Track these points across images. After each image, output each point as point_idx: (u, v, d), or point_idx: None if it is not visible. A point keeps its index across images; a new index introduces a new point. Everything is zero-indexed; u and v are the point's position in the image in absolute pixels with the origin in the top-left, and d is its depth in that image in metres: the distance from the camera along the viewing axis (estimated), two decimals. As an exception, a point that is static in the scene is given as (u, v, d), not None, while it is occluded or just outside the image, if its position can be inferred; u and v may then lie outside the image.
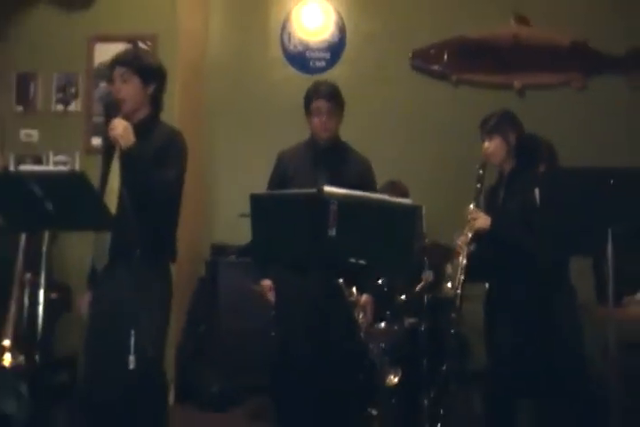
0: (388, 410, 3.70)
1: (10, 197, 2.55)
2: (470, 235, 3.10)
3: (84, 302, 2.91)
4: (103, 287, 2.81)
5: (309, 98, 3.27)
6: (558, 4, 5.27)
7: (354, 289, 3.27)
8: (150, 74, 2.91)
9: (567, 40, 5.22)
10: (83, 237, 3.26)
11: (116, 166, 2.79)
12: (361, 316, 3.30)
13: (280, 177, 3.31)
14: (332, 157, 3.27)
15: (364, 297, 3.30)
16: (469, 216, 3.12)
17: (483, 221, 3.08)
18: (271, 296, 3.33)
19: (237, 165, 5.39)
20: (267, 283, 3.35)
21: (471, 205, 3.14)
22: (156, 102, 2.95)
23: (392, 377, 3.60)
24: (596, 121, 5.14)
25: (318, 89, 3.27)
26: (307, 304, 3.07)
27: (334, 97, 3.25)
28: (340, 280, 3.15)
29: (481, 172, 3.18)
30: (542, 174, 3.55)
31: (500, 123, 3.20)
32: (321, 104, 3.21)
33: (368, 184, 3.22)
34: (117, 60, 2.91)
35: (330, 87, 3.29)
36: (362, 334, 3.36)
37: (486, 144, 3.21)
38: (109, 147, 2.85)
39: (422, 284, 4.02)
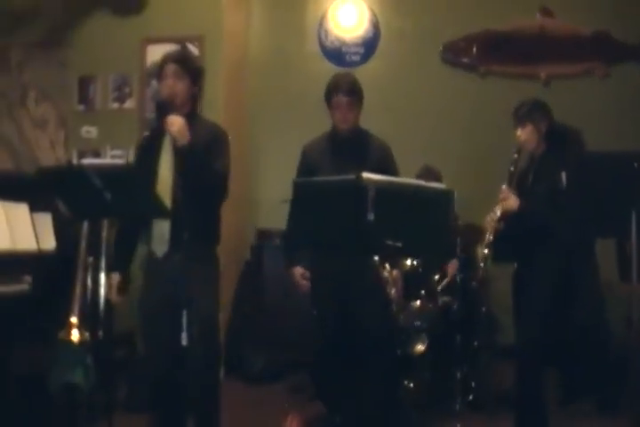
0: (423, 383, 3.68)
1: (73, 188, 2.59)
2: (499, 213, 3.07)
3: (110, 284, 2.86)
4: (165, 272, 2.81)
5: (330, 92, 3.22)
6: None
7: (387, 265, 3.26)
8: (198, 76, 2.94)
9: (590, 30, 5.09)
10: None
11: (165, 158, 2.81)
12: (393, 291, 3.30)
13: (306, 169, 3.28)
14: (352, 145, 3.23)
15: (395, 273, 3.30)
16: (500, 196, 3.10)
17: (512, 201, 3.06)
18: (303, 282, 3.28)
19: (280, 153, 5.38)
20: (298, 271, 3.30)
21: (503, 186, 3.11)
22: (195, 100, 2.95)
23: (419, 346, 3.58)
24: (618, 108, 5.00)
25: (338, 84, 3.21)
26: (341, 282, 3.06)
27: (353, 91, 3.19)
28: (376, 258, 3.13)
29: (516, 156, 3.16)
30: (569, 158, 3.50)
31: (531, 111, 3.17)
32: (341, 99, 3.17)
33: (389, 168, 3.16)
34: (173, 58, 2.91)
35: (349, 82, 3.22)
36: (394, 307, 3.35)
37: (519, 132, 3.19)
38: (155, 140, 2.86)
39: (447, 279, 3.99)
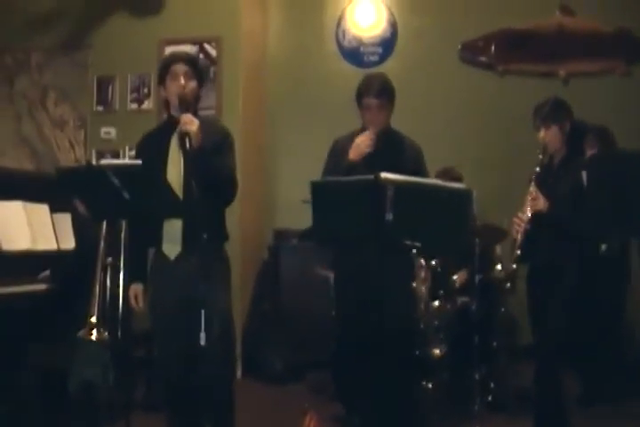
0: (442, 384, 3.66)
1: (92, 188, 2.59)
2: (529, 214, 3.01)
3: (133, 294, 2.85)
4: (177, 274, 2.79)
5: (361, 94, 3.18)
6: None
7: (422, 261, 3.23)
8: (203, 79, 2.96)
9: (610, 28, 5.03)
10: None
11: (174, 158, 2.79)
12: (423, 288, 3.26)
13: (335, 164, 3.22)
14: (386, 146, 3.19)
15: (425, 271, 3.27)
16: (530, 196, 3.03)
17: (541, 202, 3.00)
18: None
19: (297, 154, 5.39)
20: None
21: (532, 186, 3.04)
22: (198, 102, 2.94)
23: (437, 350, 3.55)
24: (639, 107, 4.94)
25: (369, 86, 3.16)
26: (367, 278, 3.03)
27: (384, 93, 3.15)
28: (414, 251, 3.10)
29: (541, 156, 3.09)
30: (590, 158, 3.46)
31: (555, 112, 3.10)
32: (371, 101, 3.13)
33: (421, 169, 3.15)
34: (184, 59, 2.90)
35: (380, 84, 3.17)
36: (422, 306, 3.32)
37: (542, 133, 3.10)
38: (162, 138, 2.84)
39: (458, 284, 3.96)
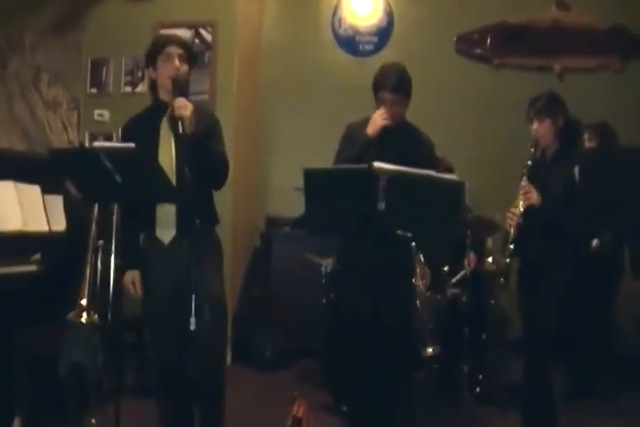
0: (431, 375, 3.68)
1: (85, 171, 2.55)
2: (523, 209, 2.99)
3: (130, 280, 2.83)
4: (171, 258, 2.78)
5: (377, 86, 3.09)
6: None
7: (421, 256, 3.22)
8: (194, 63, 2.92)
9: (606, 24, 5.03)
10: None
11: (165, 142, 2.77)
12: (421, 283, 3.26)
13: (350, 148, 3.12)
14: (397, 137, 3.13)
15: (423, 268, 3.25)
16: (522, 190, 3.01)
17: (534, 196, 2.99)
18: None
19: (291, 141, 5.38)
20: None
21: (524, 181, 3.02)
22: (188, 86, 2.90)
23: (429, 349, 3.55)
24: (633, 103, 4.95)
25: (385, 80, 3.06)
26: (368, 269, 3.00)
27: (401, 88, 3.06)
28: (413, 244, 3.09)
29: (532, 150, 3.07)
30: (582, 153, 3.47)
31: (549, 105, 3.08)
32: (386, 96, 3.06)
33: (432, 163, 3.07)
34: (177, 42, 2.86)
35: (397, 78, 3.06)
36: (418, 301, 3.31)
37: (535, 126, 3.09)
38: (152, 122, 2.81)
39: (464, 272, 3.96)
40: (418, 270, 3.24)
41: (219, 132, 2.88)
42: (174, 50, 2.81)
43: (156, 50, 2.83)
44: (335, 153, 3.21)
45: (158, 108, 2.83)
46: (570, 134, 3.14)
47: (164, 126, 2.78)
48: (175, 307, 2.69)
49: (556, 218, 2.97)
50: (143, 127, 2.85)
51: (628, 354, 4.20)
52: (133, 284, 2.83)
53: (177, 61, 2.79)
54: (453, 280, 3.97)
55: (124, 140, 2.91)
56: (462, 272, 3.96)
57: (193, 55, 2.90)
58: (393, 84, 3.05)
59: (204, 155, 2.67)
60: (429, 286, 3.45)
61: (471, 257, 3.97)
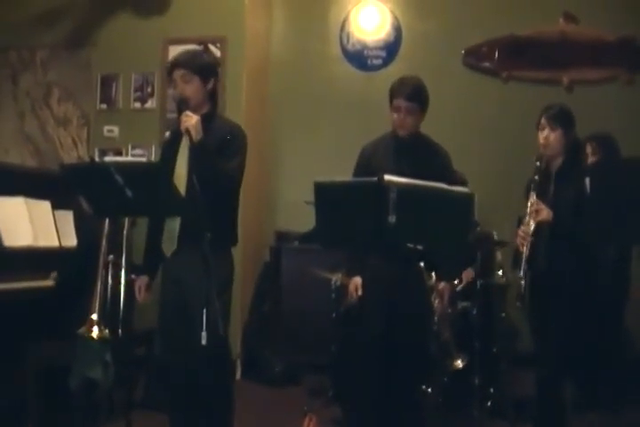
0: (442, 388, 3.65)
1: (96, 185, 2.57)
2: (533, 227, 2.93)
3: (138, 285, 2.89)
4: (172, 271, 2.82)
5: (392, 94, 3.11)
6: (604, 1, 5.08)
7: (433, 274, 3.20)
8: (208, 71, 2.91)
9: (613, 36, 5.04)
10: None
11: (183, 155, 2.82)
12: (437, 301, 3.23)
13: (364, 170, 3.14)
14: (413, 150, 3.15)
15: (442, 284, 3.21)
16: (532, 208, 2.95)
17: (546, 213, 2.93)
18: (354, 293, 3.15)
19: (300, 155, 5.39)
20: (357, 281, 3.16)
21: (533, 198, 2.96)
22: (213, 98, 2.95)
23: (459, 362, 3.53)
24: (642, 115, 4.95)
25: (401, 87, 3.08)
26: (385, 286, 3.02)
27: (415, 97, 3.07)
28: (422, 264, 3.08)
29: (538, 164, 3.01)
30: (593, 165, 3.44)
31: (564, 115, 3.04)
32: (400, 103, 3.06)
33: (450, 176, 3.05)
34: (176, 63, 2.90)
35: (412, 87, 3.09)
36: (436, 318, 3.29)
37: (547, 132, 3.03)
38: (176, 138, 2.88)
39: (463, 283, 3.95)
40: (433, 285, 3.22)
41: (234, 148, 2.86)
42: (176, 73, 2.86)
43: (169, 75, 2.93)
44: (352, 175, 3.23)
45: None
46: (574, 150, 3.11)
47: (185, 141, 2.82)
48: (178, 321, 2.72)
49: (569, 232, 2.94)
50: (172, 142, 2.93)
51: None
52: (139, 289, 2.87)
53: (180, 84, 2.85)
54: (459, 287, 3.93)
55: (161, 155, 3.10)
56: (461, 285, 3.94)
57: (198, 67, 2.87)
58: (409, 92, 3.06)
59: (207, 168, 2.67)
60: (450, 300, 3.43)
61: (468, 271, 3.96)
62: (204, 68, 2.90)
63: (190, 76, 2.84)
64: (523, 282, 2.94)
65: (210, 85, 2.90)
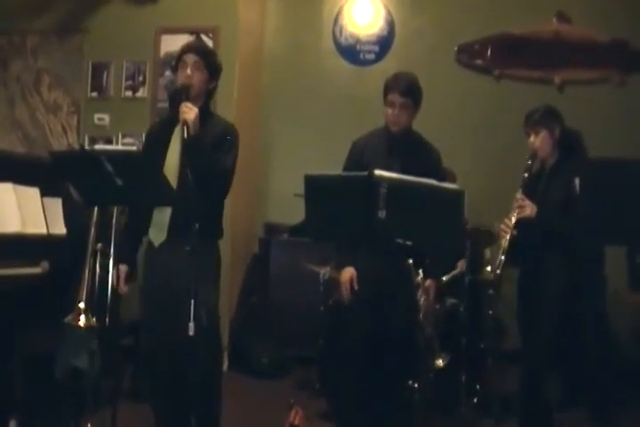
0: (428, 384, 3.67)
1: (85, 173, 2.56)
2: (515, 220, 3.00)
3: (118, 275, 2.87)
4: (160, 262, 2.81)
5: (387, 89, 3.12)
6: (598, 2, 5.11)
7: (420, 271, 3.22)
8: (216, 72, 2.92)
9: (607, 38, 5.06)
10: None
11: (174, 146, 2.81)
12: (423, 298, 3.25)
13: (355, 165, 3.14)
14: (405, 146, 3.16)
15: (428, 282, 3.22)
16: (516, 203, 3.02)
17: (529, 209, 2.99)
18: (348, 285, 3.10)
19: (291, 148, 5.39)
20: (349, 272, 3.12)
21: (519, 193, 3.04)
22: (209, 96, 2.94)
23: (440, 361, 3.55)
24: (633, 117, 4.97)
25: (396, 83, 3.10)
26: (372, 281, 3.04)
27: (409, 93, 3.08)
28: (410, 261, 3.10)
29: (529, 162, 3.09)
30: (583, 164, 3.46)
31: (544, 117, 3.11)
32: (394, 98, 3.07)
33: (438, 174, 3.03)
34: (195, 49, 2.88)
35: (407, 83, 3.10)
36: (420, 316, 3.31)
37: (532, 138, 3.11)
38: (167, 128, 2.86)
39: (456, 271, 3.97)
40: (420, 282, 3.23)
41: (229, 145, 2.86)
42: (189, 57, 2.84)
43: (177, 57, 2.89)
44: (342, 169, 3.22)
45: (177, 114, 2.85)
46: (569, 145, 3.15)
47: (178, 131, 2.80)
48: (164, 311, 2.72)
49: (554, 228, 2.97)
50: (162, 131, 2.91)
51: (629, 367, 4.20)
52: (118, 278, 2.85)
53: (189, 69, 2.82)
54: (444, 278, 3.93)
55: (145, 143, 3.05)
56: (452, 272, 3.94)
57: (211, 62, 2.88)
58: (403, 88, 3.07)
59: (205, 160, 2.67)
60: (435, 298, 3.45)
61: (462, 261, 3.98)
62: (216, 68, 2.92)
63: (202, 66, 2.84)
64: (498, 271, 3.00)
65: (211, 85, 2.91)
